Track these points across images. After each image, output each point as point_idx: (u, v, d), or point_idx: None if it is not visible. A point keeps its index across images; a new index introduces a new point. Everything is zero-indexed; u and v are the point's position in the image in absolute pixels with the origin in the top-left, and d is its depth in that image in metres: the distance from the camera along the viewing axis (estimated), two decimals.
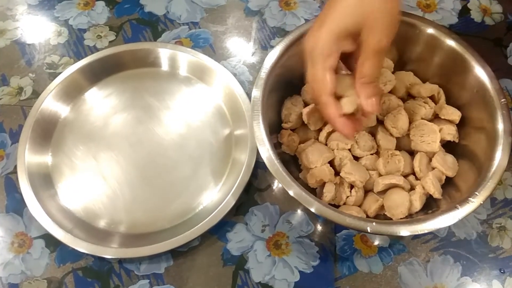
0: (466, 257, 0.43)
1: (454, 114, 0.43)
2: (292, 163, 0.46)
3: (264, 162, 0.39)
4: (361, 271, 0.43)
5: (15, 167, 0.47)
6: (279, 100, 0.47)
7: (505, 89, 0.52)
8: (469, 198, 0.36)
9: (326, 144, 0.44)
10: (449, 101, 0.45)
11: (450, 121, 0.44)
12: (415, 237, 0.44)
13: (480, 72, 0.41)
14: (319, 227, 0.45)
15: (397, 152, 0.43)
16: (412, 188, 0.43)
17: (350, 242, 0.44)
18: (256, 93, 0.42)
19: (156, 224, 0.45)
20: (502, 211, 0.46)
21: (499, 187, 0.47)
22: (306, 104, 0.46)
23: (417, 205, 0.41)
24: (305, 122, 0.44)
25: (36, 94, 0.53)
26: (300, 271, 0.43)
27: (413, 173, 0.43)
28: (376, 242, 0.44)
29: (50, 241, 0.45)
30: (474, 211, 0.36)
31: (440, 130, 0.42)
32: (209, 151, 0.48)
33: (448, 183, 0.43)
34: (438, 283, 0.42)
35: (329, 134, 0.44)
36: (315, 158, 0.42)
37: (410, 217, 0.41)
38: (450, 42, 0.43)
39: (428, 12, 0.58)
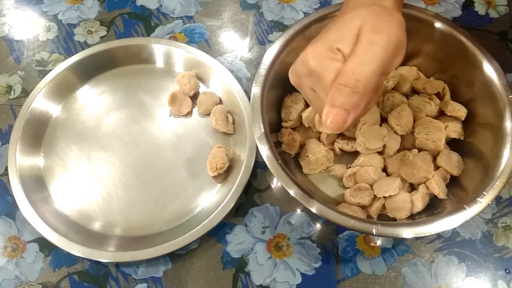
0: (471, 257, 0.43)
1: (460, 111, 0.42)
2: (293, 163, 0.44)
3: (263, 162, 0.38)
4: (364, 273, 0.42)
5: (6, 168, 0.46)
6: (279, 98, 0.45)
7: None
8: (477, 198, 0.35)
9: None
10: (453, 97, 0.44)
11: (456, 118, 0.43)
12: (419, 237, 0.43)
13: (488, 68, 0.40)
14: (320, 228, 0.44)
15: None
16: (414, 188, 0.42)
17: (352, 243, 0.43)
18: (256, 90, 0.40)
19: (154, 227, 0.44)
20: (507, 210, 0.45)
21: None
22: (306, 103, 0.45)
23: (419, 205, 0.40)
24: (306, 126, 0.43)
25: (25, 92, 0.51)
26: (301, 273, 0.42)
27: None
28: (379, 243, 0.43)
29: (44, 245, 0.43)
30: (482, 211, 0.35)
31: (445, 128, 0.41)
32: (207, 151, 0.46)
33: (453, 182, 0.42)
34: (443, 284, 0.42)
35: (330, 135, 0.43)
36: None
37: (412, 217, 0.40)
38: (457, 36, 0.42)
39: (430, 4, 0.57)
